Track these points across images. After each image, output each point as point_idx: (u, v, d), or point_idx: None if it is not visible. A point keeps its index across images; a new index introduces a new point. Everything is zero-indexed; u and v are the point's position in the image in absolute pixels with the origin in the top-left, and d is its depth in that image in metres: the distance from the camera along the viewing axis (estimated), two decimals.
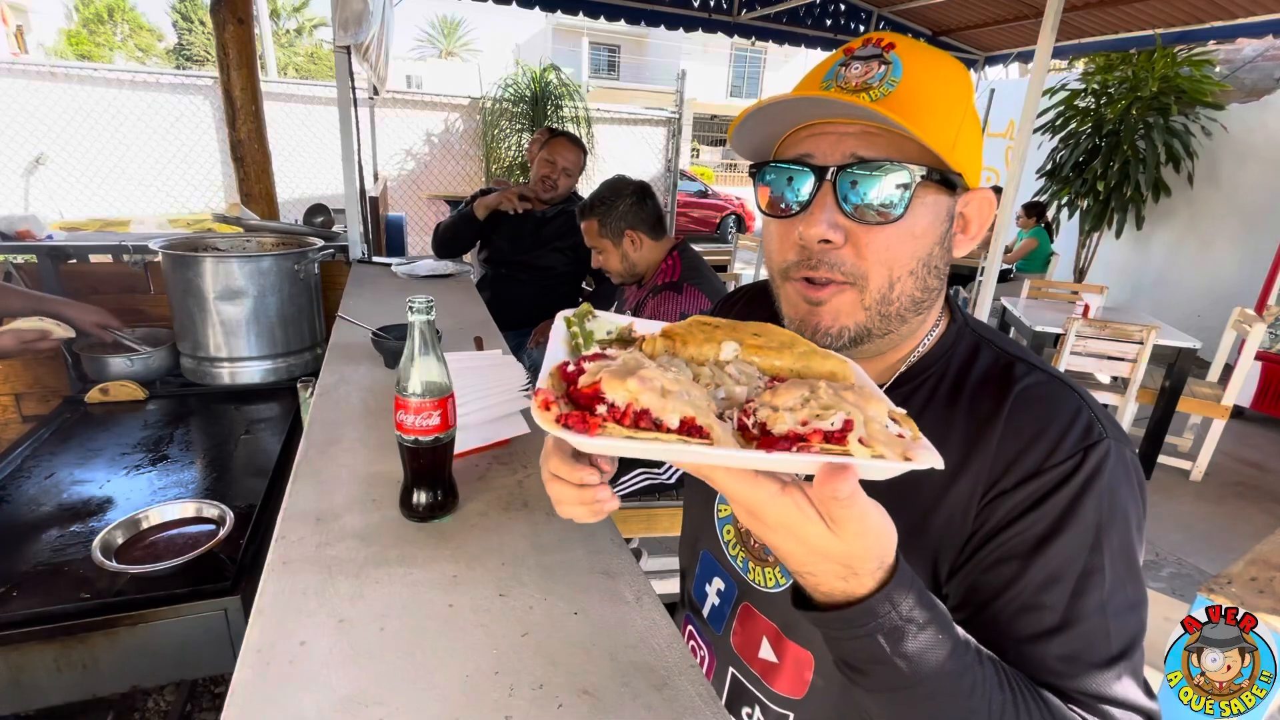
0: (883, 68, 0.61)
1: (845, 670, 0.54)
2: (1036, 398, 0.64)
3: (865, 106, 0.58)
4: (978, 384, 0.67)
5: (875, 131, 0.61)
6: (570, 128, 7.49)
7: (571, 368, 0.47)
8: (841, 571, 0.47)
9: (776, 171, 0.65)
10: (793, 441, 0.41)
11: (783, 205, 0.65)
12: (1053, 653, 0.58)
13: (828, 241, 0.62)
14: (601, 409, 0.41)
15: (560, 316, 0.58)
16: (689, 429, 0.41)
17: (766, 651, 0.80)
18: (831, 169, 0.61)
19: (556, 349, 0.53)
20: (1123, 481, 0.60)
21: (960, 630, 0.53)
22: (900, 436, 0.43)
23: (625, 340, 0.57)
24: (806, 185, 0.63)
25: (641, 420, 0.40)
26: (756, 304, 0.91)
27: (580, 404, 0.43)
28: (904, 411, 0.46)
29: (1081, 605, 0.58)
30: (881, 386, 0.69)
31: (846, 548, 0.45)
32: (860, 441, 0.41)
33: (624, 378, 0.42)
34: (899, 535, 0.64)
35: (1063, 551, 0.58)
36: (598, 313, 0.59)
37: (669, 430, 0.40)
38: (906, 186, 0.60)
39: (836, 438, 0.41)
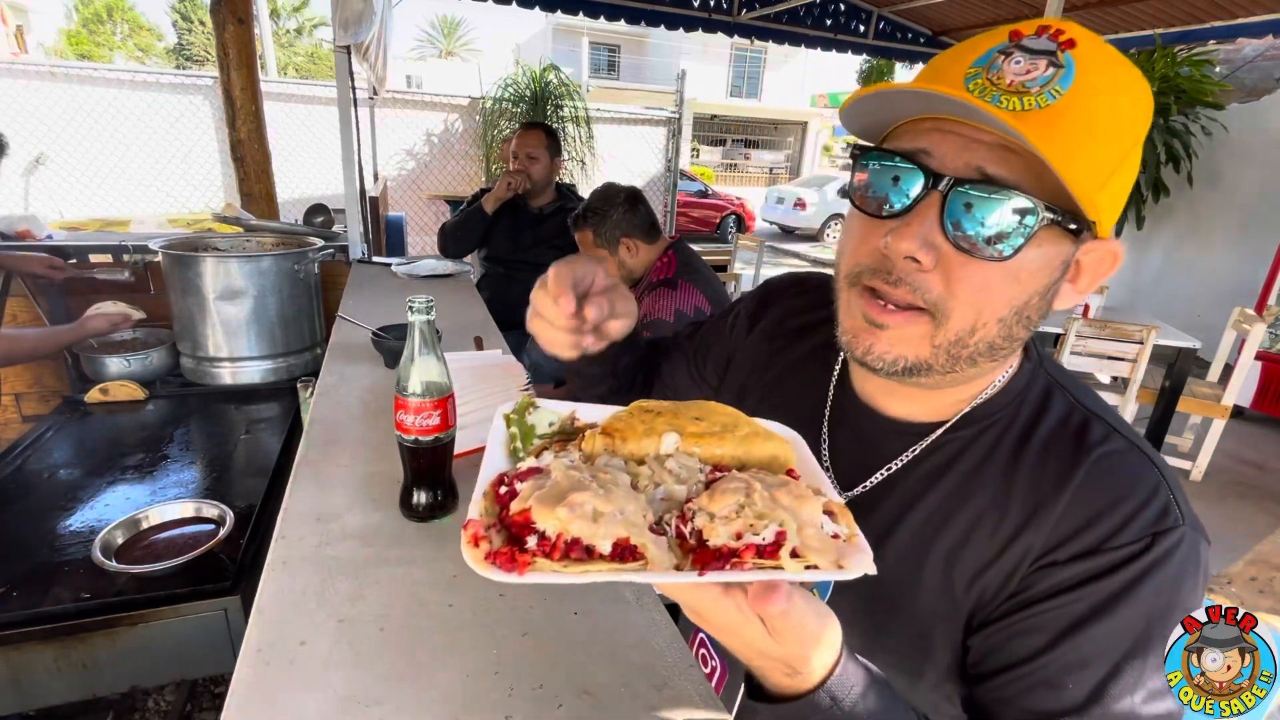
0: (1050, 70, 0.50)
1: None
2: (1113, 469, 0.57)
3: (1005, 122, 0.47)
4: (1047, 440, 0.61)
5: (1013, 146, 0.51)
6: (570, 128, 7.49)
7: (505, 488, 0.47)
8: (784, 670, 0.47)
9: (882, 162, 0.56)
10: (726, 558, 0.41)
11: (877, 203, 0.56)
12: None
13: (915, 260, 0.54)
14: (532, 541, 0.41)
15: (499, 414, 0.57)
16: (622, 550, 0.41)
17: None
18: (947, 179, 0.52)
19: (494, 456, 0.52)
20: (1189, 576, 0.54)
21: (915, 717, 0.51)
22: (835, 537, 0.44)
23: (568, 433, 0.56)
24: (913, 189, 0.54)
25: (573, 550, 0.41)
26: (811, 295, 0.84)
27: (512, 532, 0.43)
28: (841, 503, 0.46)
29: (1108, 694, 0.53)
30: (941, 424, 0.65)
31: (785, 651, 0.45)
32: (794, 552, 0.41)
33: (554, 505, 0.42)
34: (940, 606, 0.61)
35: (1101, 637, 0.54)
36: (539, 402, 0.58)
37: (601, 555, 0.41)
38: (1028, 225, 0.51)
39: (769, 552, 0.41)
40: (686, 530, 0.44)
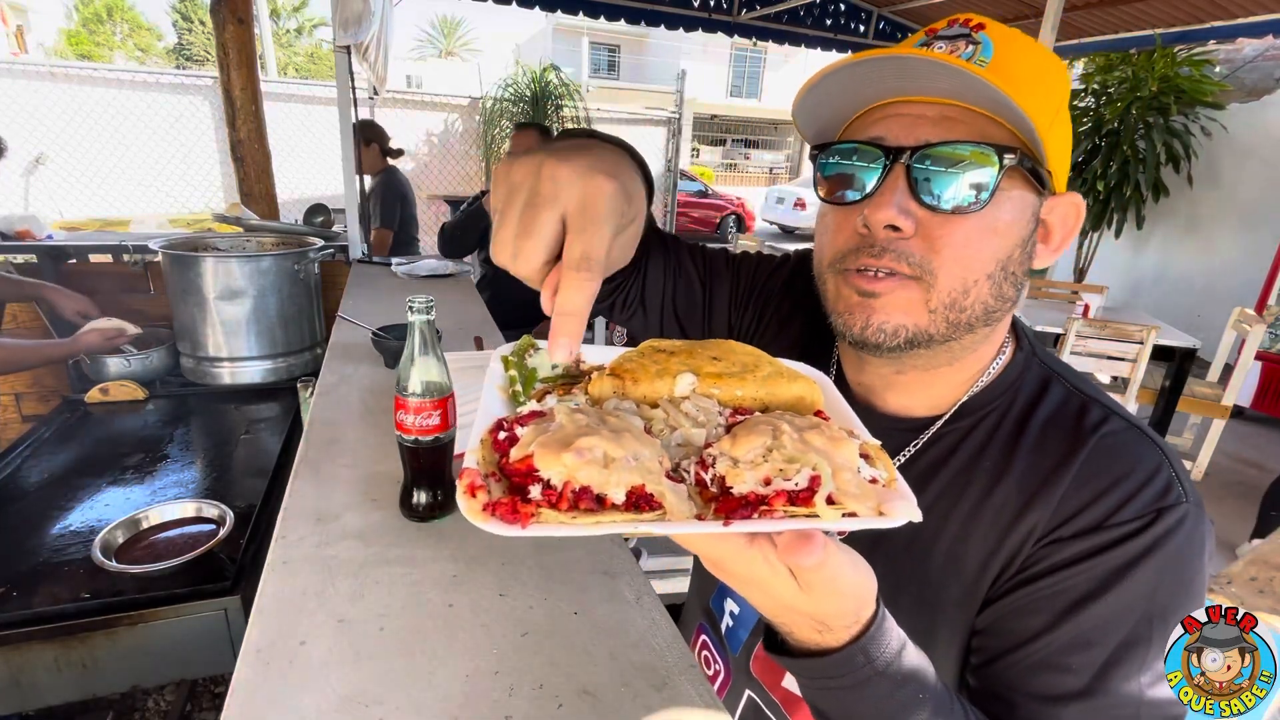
0: (970, 48, 0.54)
1: (819, 717, 0.51)
2: (1116, 447, 0.58)
3: (962, 67, 0.49)
4: (1046, 424, 0.61)
5: (956, 116, 0.54)
6: (570, 128, 7.49)
7: (504, 434, 0.42)
8: (815, 625, 0.45)
9: (841, 152, 0.58)
10: (754, 506, 0.38)
11: (846, 190, 0.58)
12: (1067, 719, 0.53)
13: (895, 229, 0.55)
14: (535, 490, 0.37)
15: (496, 356, 0.52)
16: (638, 498, 0.37)
17: (791, 682, 0.75)
18: (906, 150, 0.54)
19: (491, 401, 0.47)
20: (1195, 553, 0.54)
21: (944, 690, 0.50)
22: (874, 481, 0.40)
23: (573, 377, 0.51)
24: (875, 168, 0.56)
25: (582, 500, 0.37)
26: (804, 293, 0.82)
27: (514, 481, 0.38)
28: (878, 445, 0.43)
29: (1113, 677, 0.53)
30: (938, 418, 0.65)
31: (818, 606, 0.42)
32: (829, 499, 0.37)
33: (559, 450, 0.37)
34: (946, 602, 0.61)
35: (1101, 614, 0.53)
36: (541, 344, 0.52)
37: (614, 505, 0.37)
38: (993, 172, 0.53)
39: (802, 498, 0.37)
40: (707, 477, 0.40)
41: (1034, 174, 0.55)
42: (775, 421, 0.42)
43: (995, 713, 0.57)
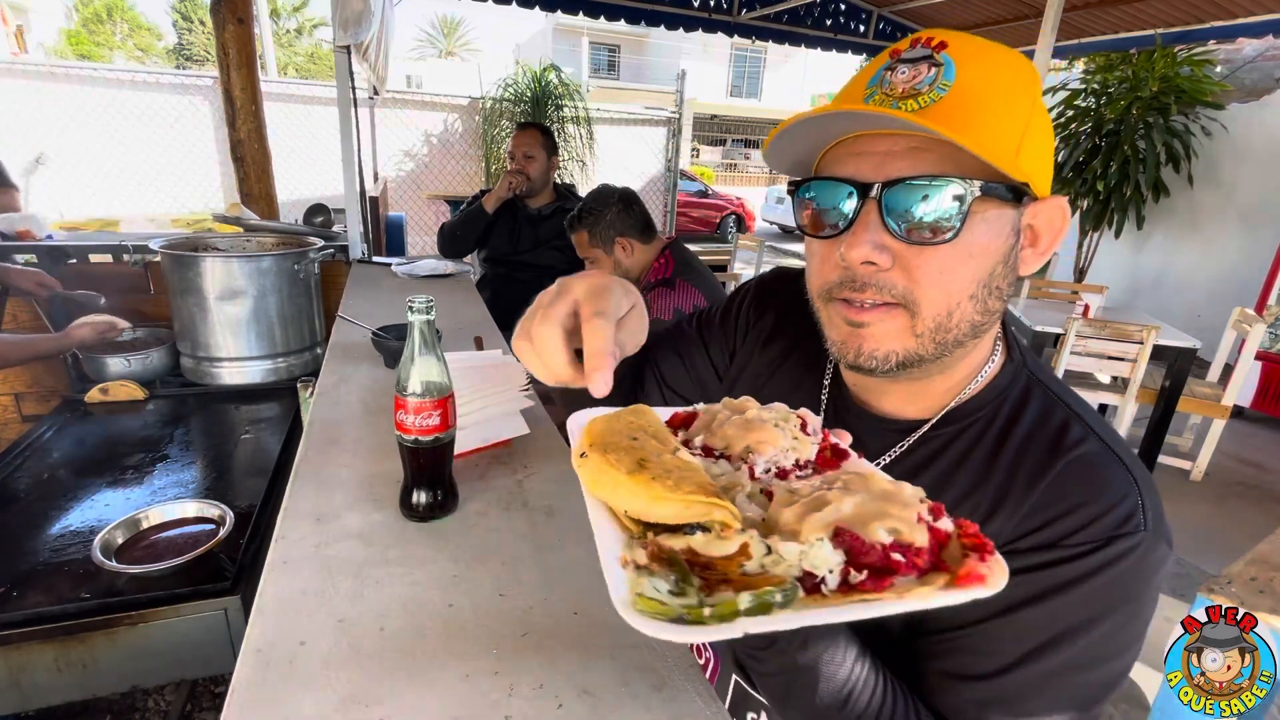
0: (932, 70, 0.55)
1: (742, 656, 0.56)
2: (1086, 470, 0.59)
3: (906, 119, 0.52)
4: (1025, 438, 0.63)
5: (923, 145, 0.55)
6: (570, 128, 7.49)
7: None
8: None
9: (816, 189, 0.61)
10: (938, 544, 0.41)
11: (825, 225, 0.60)
12: (967, 695, 0.58)
13: (872, 264, 0.57)
14: (972, 557, 0.39)
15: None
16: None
17: None
18: (876, 186, 0.56)
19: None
20: (1138, 577, 0.57)
21: (862, 646, 0.57)
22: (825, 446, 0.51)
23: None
24: (849, 204, 0.58)
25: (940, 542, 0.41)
26: (770, 297, 0.87)
27: (974, 543, 0.41)
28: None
29: (1022, 669, 0.56)
30: (925, 422, 0.67)
31: None
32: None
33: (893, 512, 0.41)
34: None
35: (1034, 618, 0.57)
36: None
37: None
38: (961, 202, 0.54)
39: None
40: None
41: (1008, 191, 0.56)
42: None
43: (906, 681, 0.61)
